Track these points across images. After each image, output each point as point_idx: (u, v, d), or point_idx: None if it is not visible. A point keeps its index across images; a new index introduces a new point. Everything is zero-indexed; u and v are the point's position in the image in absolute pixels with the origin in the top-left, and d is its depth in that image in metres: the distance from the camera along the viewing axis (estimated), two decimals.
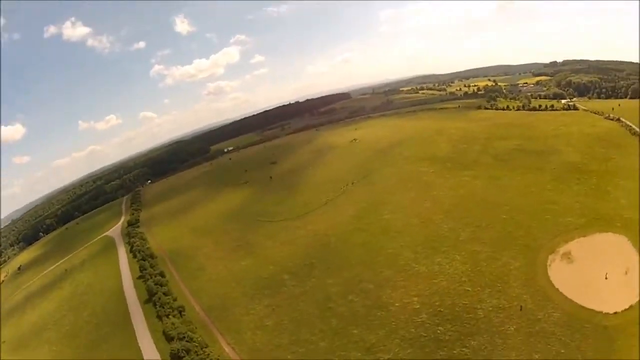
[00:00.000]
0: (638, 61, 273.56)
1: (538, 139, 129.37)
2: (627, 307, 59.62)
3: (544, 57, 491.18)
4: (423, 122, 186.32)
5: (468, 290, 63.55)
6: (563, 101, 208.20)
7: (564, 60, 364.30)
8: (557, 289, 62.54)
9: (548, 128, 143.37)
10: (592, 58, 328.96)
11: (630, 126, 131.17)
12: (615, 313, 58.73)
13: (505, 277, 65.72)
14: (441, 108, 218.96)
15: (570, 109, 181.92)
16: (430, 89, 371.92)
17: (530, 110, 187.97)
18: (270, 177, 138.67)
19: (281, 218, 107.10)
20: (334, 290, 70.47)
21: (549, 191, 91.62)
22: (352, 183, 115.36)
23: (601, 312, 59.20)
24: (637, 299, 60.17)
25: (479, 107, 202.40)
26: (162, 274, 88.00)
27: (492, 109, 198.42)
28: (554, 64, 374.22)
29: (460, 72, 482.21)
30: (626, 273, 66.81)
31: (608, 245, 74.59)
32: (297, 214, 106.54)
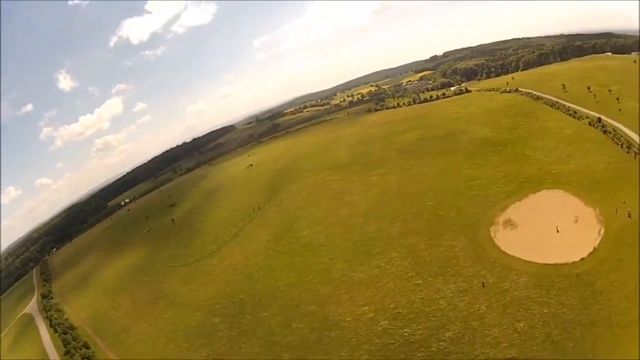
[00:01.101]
0: (522, 36, 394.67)
1: (439, 126, 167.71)
2: (591, 249, 75.94)
3: (424, 54, 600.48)
4: (316, 135, 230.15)
5: (419, 283, 78.25)
6: (452, 88, 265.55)
7: (444, 53, 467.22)
8: (513, 256, 79.01)
9: (446, 113, 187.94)
10: (474, 44, 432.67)
11: (530, 92, 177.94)
12: (582, 259, 74.42)
13: (454, 260, 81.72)
14: (330, 119, 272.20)
15: (463, 93, 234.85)
16: (314, 105, 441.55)
17: (421, 102, 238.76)
18: (173, 220, 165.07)
19: (193, 259, 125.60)
20: (274, 322, 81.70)
21: (466, 169, 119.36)
22: (259, 208, 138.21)
23: (567, 263, 74.18)
24: (598, 241, 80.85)
25: (369, 111, 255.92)
26: (86, 346, 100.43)
27: (382, 109, 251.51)
28: (434, 57, 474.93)
29: (342, 85, 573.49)
30: (576, 221, 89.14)
31: (547, 202, 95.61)
32: (209, 251, 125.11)
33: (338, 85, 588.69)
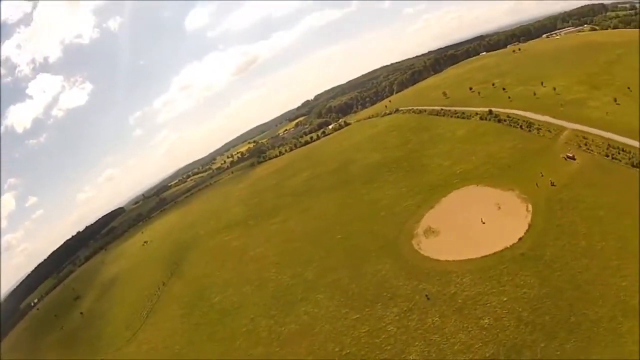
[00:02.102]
0: (391, 62, 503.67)
1: (327, 161, 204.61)
2: (526, 227, 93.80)
3: (295, 102, 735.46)
4: (204, 199, 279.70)
5: (358, 317, 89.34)
6: (331, 126, 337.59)
7: (315, 96, 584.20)
8: (447, 260, 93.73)
9: (331, 148, 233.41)
10: (343, 81, 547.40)
11: (411, 108, 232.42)
12: (521, 239, 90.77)
13: (386, 284, 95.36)
14: (215, 182, 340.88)
15: (342, 127, 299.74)
16: (197, 173, 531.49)
17: (303, 145, 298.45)
18: (81, 313, 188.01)
19: (113, 348, 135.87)
20: None
21: (367, 194, 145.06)
22: (164, 284, 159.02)
23: (507, 247, 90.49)
24: (530, 217, 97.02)
25: (252, 165, 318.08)
26: None
27: (265, 160, 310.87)
28: (306, 103, 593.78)
29: (220, 148, 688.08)
30: (499, 208, 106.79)
31: (462, 200, 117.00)
32: (126, 338, 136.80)
33: (216, 150, 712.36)
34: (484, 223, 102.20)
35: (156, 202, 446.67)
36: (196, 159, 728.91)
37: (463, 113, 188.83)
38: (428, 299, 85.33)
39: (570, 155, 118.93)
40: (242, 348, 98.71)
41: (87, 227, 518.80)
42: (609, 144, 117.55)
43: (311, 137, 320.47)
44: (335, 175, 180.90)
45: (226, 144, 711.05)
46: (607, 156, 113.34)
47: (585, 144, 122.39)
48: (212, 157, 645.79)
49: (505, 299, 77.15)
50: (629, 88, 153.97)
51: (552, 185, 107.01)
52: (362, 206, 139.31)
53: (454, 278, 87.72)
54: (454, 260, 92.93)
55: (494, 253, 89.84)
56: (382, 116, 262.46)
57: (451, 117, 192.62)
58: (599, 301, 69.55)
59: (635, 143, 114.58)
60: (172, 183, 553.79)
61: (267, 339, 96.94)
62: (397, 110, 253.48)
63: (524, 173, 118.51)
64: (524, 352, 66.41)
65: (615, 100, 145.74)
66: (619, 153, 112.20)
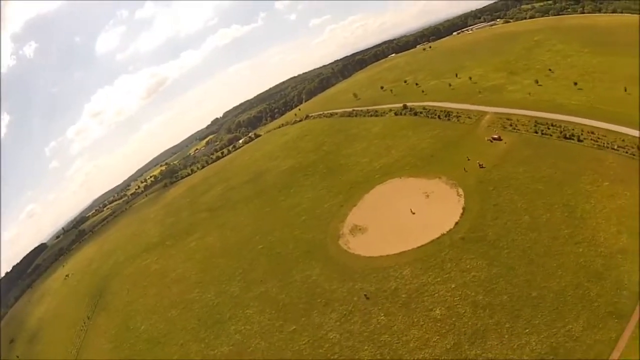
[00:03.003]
0: (298, 74, 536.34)
1: (241, 173, 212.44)
2: (461, 211, 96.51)
3: (204, 122, 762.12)
4: (121, 225, 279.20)
5: (294, 328, 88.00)
6: (241, 140, 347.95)
7: (224, 113, 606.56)
8: (380, 256, 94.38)
9: (244, 160, 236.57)
10: (251, 97, 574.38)
11: (321, 113, 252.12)
12: (457, 223, 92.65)
13: (318, 289, 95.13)
14: (130, 207, 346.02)
15: (253, 139, 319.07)
16: (112, 200, 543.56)
17: (214, 161, 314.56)
18: (17, 357, 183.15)
19: None
20: None
21: (284, 200, 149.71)
22: (88, 318, 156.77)
23: (444, 234, 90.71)
24: (463, 200, 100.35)
25: (165, 186, 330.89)
26: None
27: (178, 180, 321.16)
28: (215, 121, 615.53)
29: (133, 175, 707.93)
30: (428, 196, 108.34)
31: (386, 194, 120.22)
32: None
33: (130, 176, 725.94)
34: (414, 213, 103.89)
35: (75, 234, 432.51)
36: (112, 187, 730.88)
37: (376, 111, 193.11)
38: (367, 298, 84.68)
39: (496, 136, 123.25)
40: None
41: (13, 267, 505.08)
42: (536, 121, 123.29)
43: (222, 153, 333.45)
44: (250, 186, 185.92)
45: (139, 170, 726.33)
46: (537, 133, 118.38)
47: (511, 125, 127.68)
48: (126, 184, 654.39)
49: (453, 286, 77.32)
50: (550, 69, 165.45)
51: (480, 167, 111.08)
52: (281, 213, 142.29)
53: (392, 273, 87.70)
54: (388, 255, 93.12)
55: (431, 241, 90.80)
56: (293, 124, 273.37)
57: (364, 116, 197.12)
58: (558, 272, 70.75)
59: (563, 117, 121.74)
60: (90, 213, 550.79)
61: None
62: (307, 117, 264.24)
63: (449, 160, 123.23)
64: (489, 336, 66.06)
65: (537, 81, 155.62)
66: (548, 128, 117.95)
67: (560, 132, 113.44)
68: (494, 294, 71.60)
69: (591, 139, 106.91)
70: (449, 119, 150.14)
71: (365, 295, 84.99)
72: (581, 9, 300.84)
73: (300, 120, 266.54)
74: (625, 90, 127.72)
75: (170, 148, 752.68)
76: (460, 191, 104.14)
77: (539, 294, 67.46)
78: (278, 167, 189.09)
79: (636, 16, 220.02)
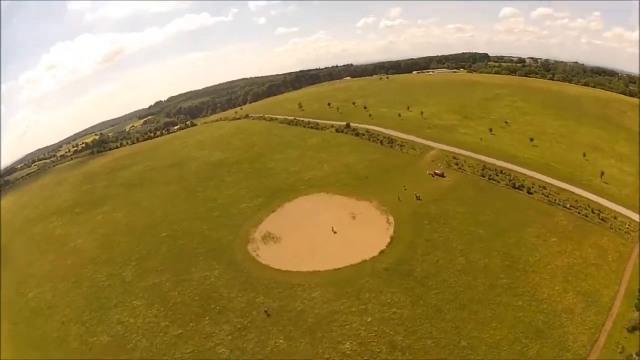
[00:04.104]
0: (251, 76, 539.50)
1: (167, 156, 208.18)
2: (388, 240, 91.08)
3: (149, 101, 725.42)
4: (39, 185, 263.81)
5: (180, 333, 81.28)
6: (177, 127, 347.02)
7: (169, 97, 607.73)
8: (290, 271, 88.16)
9: (174, 145, 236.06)
10: (199, 87, 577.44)
11: (262, 116, 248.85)
12: (382, 252, 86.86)
13: (215, 294, 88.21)
14: (53, 167, 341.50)
15: (189, 127, 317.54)
16: (42, 159, 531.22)
17: (145, 140, 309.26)
18: None
19: None
20: None
21: (202, 192, 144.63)
22: None
23: (366, 260, 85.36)
24: (392, 229, 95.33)
25: (92, 153, 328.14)
26: None
27: (106, 151, 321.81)
28: (159, 103, 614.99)
29: (70, 137, 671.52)
30: (354, 217, 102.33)
31: (309, 207, 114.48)
32: None
33: (66, 138, 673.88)
34: (335, 232, 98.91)
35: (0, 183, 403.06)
36: (45, 145, 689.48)
37: (317, 124, 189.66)
38: (268, 315, 78.51)
39: (439, 172, 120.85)
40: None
41: None
42: (484, 166, 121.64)
43: (154, 134, 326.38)
44: (172, 170, 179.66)
45: (76, 134, 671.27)
46: (484, 177, 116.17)
47: (457, 164, 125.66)
48: (59, 145, 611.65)
49: (369, 320, 71.61)
50: (506, 122, 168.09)
51: (417, 199, 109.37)
52: (195, 204, 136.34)
53: (300, 292, 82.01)
54: (299, 272, 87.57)
55: (350, 266, 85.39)
56: (231, 120, 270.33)
57: (304, 127, 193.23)
58: (492, 322, 67.07)
59: (514, 167, 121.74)
60: (20, 166, 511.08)
61: (77, 350, 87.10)
62: (247, 116, 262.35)
63: (384, 185, 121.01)
64: None
65: (490, 130, 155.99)
66: (497, 175, 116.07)
67: (510, 181, 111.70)
68: (416, 337, 66.36)
69: (542, 194, 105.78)
70: (391, 146, 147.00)
71: (265, 311, 78.67)
72: (551, 76, 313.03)
73: (239, 118, 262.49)
74: (584, 156, 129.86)
75: (109, 120, 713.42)
76: (391, 219, 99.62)
77: (469, 344, 62.01)
78: (204, 158, 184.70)
79: (607, 92, 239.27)
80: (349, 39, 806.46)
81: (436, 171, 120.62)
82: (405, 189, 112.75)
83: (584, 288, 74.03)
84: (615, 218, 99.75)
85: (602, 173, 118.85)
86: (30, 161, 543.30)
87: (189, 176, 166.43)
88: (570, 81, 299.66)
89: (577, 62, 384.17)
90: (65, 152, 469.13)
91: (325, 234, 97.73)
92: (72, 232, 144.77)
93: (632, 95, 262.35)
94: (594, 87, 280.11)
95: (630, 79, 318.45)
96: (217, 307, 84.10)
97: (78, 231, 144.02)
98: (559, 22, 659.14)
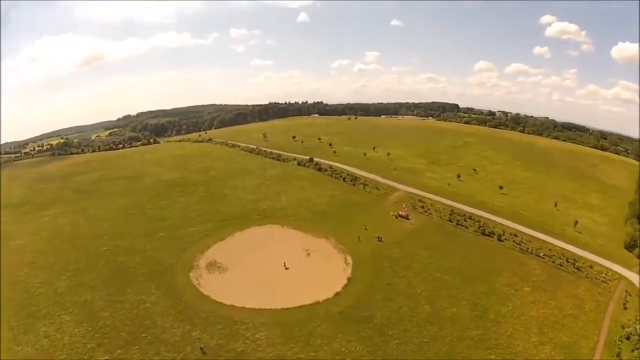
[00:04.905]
0: (220, 103, 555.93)
1: (123, 168, 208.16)
2: (345, 281, 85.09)
3: (118, 113, 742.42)
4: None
5: (106, 359, 75.62)
6: (139, 142, 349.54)
7: (138, 113, 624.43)
8: (233, 306, 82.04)
9: (132, 158, 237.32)
10: (169, 107, 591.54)
11: (225, 141, 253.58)
12: (338, 294, 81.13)
13: (148, 321, 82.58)
14: (14, 163, 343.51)
15: (151, 143, 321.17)
16: (7, 153, 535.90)
17: (105, 150, 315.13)
18: None
19: None
20: None
21: (151, 210, 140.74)
22: None
23: (319, 302, 79.38)
24: (350, 270, 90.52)
25: (53, 154, 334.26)
26: None
27: (66, 154, 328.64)
28: (127, 117, 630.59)
29: (37, 136, 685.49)
30: (309, 254, 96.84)
31: (261, 239, 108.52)
32: None
33: (33, 137, 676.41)
34: (287, 268, 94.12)
35: None
36: (14, 140, 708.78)
37: (280, 155, 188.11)
38: (204, 353, 72.13)
39: (403, 214, 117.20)
40: None
41: None
42: (452, 210, 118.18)
43: (117, 146, 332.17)
44: (125, 183, 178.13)
45: (43, 134, 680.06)
46: (451, 221, 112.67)
47: (423, 207, 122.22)
48: (26, 142, 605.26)
49: None
50: (474, 169, 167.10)
51: (379, 240, 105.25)
52: (142, 221, 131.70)
53: (242, 331, 76.21)
54: (243, 307, 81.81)
55: (301, 306, 79.83)
56: (193, 142, 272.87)
57: (266, 157, 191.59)
58: None
59: (483, 213, 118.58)
60: None
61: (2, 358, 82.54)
62: (210, 140, 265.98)
63: (343, 223, 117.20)
64: None
65: (458, 176, 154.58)
66: (465, 220, 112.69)
67: (479, 227, 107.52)
68: None
69: (514, 241, 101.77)
70: (354, 184, 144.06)
71: (201, 348, 72.49)
72: (521, 129, 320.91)
73: (202, 141, 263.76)
74: (556, 206, 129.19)
75: (78, 126, 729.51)
76: (349, 259, 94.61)
77: None
78: (159, 176, 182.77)
79: (578, 145, 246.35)
80: (322, 78, 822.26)
81: (400, 212, 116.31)
82: (366, 229, 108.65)
83: (562, 339, 70.45)
84: (590, 267, 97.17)
85: (576, 222, 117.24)
86: None
87: (141, 191, 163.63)
88: (540, 134, 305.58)
89: (547, 117, 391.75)
90: (30, 150, 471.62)
91: (276, 269, 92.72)
92: (16, 231, 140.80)
93: (603, 149, 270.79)
94: (565, 140, 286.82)
95: (602, 135, 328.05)
96: (149, 337, 78.34)
97: (22, 231, 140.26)
98: (532, 78, 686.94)
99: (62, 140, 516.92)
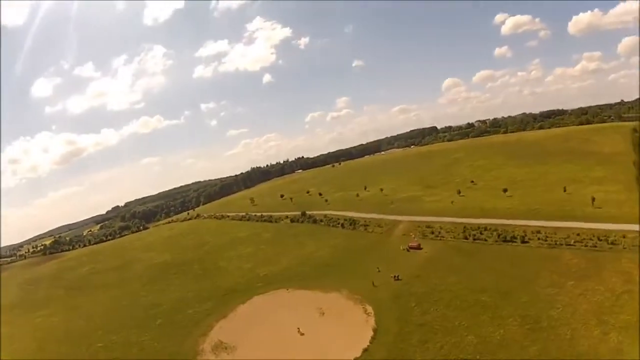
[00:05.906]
0: (204, 179, 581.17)
1: (112, 258, 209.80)
2: (371, 334, 76.97)
3: (106, 207, 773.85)
4: None
5: None
6: (129, 231, 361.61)
7: (126, 202, 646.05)
8: None
9: (122, 246, 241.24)
10: (154, 192, 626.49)
11: (213, 214, 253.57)
12: (366, 349, 73.55)
13: None
14: (10, 265, 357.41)
15: (141, 230, 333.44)
16: (3, 256, 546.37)
17: (96, 243, 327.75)
18: None
19: None
20: None
21: (146, 297, 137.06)
22: None
23: None
24: (373, 320, 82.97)
25: (45, 254, 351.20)
26: None
27: (58, 252, 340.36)
28: (116, 208, 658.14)
29: (31, 238, 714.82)
30: (323, 314, 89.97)
31: (267, 307, 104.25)
32: None
33: (28, 239, 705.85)
34: (302, 334, 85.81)
35: None
36: (9, 244, 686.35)
37: (271, 217, 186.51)
38: None
39: (415, 244, 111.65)
40: None
41: None
42: (464, 227, 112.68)
43: (107, 238, 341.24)
44: (115, 273, 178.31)
45: (36, 236, 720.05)
46: (467, 238, 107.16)
47: (432, 232, 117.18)
48: (20, 245, 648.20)
49: None
50: (472, 181, 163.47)
51: (396, 279, 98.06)
52: (137, 310, 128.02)
53: None
54: None
55: None
56: (182, 221, 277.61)
57: (257, 221, 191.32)
58: None
59: (496, 221, 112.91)
60: None
61: None
62: (198, 216, 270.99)
63: (353, 271, 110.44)
64: None
65: (459, 192, 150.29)
66: (481, 233, 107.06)
67: (498, 236, 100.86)
68: None
69: (538, 239, 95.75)
70: (354, 228, 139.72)
71: None
72: (504, 129, 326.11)
73: (190, 219, 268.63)
74: (565, 190, 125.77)
75: (69, 224, 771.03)
76: (369, 308, 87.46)
77: None
78: (151, 260, 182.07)
79: (563, 128, 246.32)
80: (298, 134, 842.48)
81: (411, 244, 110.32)
82: (379, 271, 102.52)
83: (625, 320, 64.40)
84: (624, 237, 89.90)
85: (594, 199, 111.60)
86: None
87: (132, 279, 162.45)
88: (524, 130, 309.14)
89: (525, 113, 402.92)
90: (25, 252, 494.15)
91: (290, 337, 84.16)
92: (11, 334, 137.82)
93: (589, 123, 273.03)
94: (550, 128, 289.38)
95: (582, 111, 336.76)
96: None
97: (17, 333, 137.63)
98: (499, 81, 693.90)
99: (54, 239, 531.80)
